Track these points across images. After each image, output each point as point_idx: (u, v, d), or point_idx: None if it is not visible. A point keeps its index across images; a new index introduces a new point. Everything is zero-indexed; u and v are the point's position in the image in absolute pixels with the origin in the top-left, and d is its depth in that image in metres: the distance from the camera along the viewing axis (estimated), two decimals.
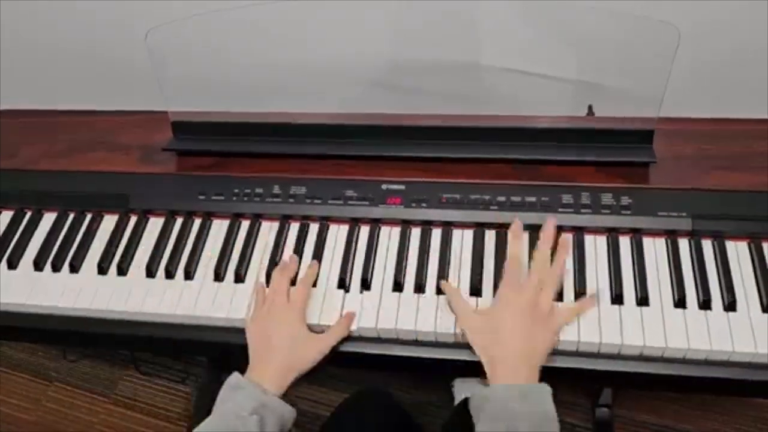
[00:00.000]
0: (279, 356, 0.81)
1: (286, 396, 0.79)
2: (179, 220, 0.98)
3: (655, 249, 0.86)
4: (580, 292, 0.83)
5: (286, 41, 1.05)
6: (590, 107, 1.03)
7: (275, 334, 0.82)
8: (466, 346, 0.82)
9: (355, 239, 0.92)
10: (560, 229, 0.88)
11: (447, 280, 0.86)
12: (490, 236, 0.90)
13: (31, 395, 1.68)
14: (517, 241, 0.84)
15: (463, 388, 1.41)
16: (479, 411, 0.73)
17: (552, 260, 0.82)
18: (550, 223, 0.85)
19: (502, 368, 0.75)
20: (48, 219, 1.02)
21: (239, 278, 0.91)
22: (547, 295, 0.79)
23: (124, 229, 0.98)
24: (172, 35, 0.96)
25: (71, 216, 1.01)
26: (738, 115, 0.99)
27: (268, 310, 0.85)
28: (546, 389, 0.73)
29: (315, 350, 0.82)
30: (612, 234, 0.88)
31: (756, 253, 0.84)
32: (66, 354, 1.71)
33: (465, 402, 1.33)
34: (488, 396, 0.73)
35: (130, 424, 1.60)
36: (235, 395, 0.76)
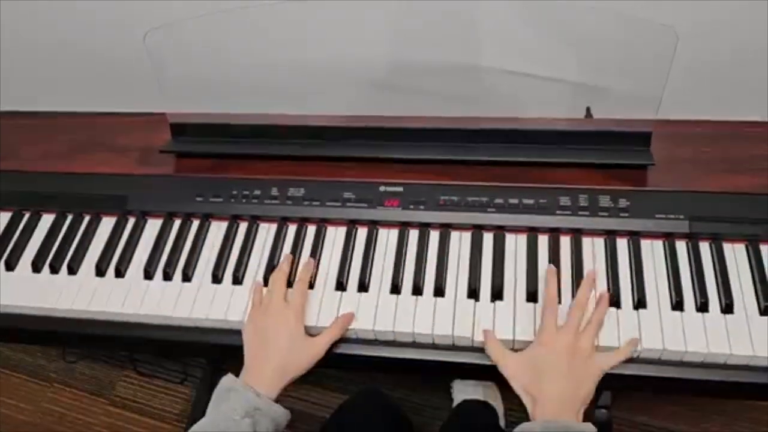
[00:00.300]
0: (275, 357, 0.80)
1: (281, 397, 0.79)
2: (177, 222, 0.98)
3: (652, 251, 0.86)
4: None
5: (285, 42, 1.05)
6: (588, 109, 1.03)
7: (272, 335, 0.82)
8: (464, 349, 0.82)
9: (352, 241, 0.92)
10: (558, 231, 0.89)
11: (444, 282, 0.85)
12: (488, 239, 0.90)
13: (30, 396, 1.68)
14: (552, 285, 0.82)
15: (461, 390, 1.41)
16: None
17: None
18: (590, 274, 0.84)
19: (546, 404, 0.74)
20: (46, 220, 1.02)
21: (237, 280, 0.91)
22: (587, 337, 0.78)
23: (122, 231, 0.98)
24: (171, 36, 0.96)
25: (69, 217, 1.01)
26: (736, 117, 0.99)
27: (265, 309, 0.85)
28: (592, 428, 0.72)
29: (311, 352, 0.82)
30: (610, 236, 0.88)
31: (753, 256, 0.84)
32: (65, 355, 1.71)
33: (463, 404, 1.34)
34: (534, 426, 0.73)
35: (128, 425, 1.59)
36: (228, 398, 0.76)
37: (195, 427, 0.75)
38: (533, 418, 0.75)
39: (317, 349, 0.82)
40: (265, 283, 0.89)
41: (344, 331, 0.84)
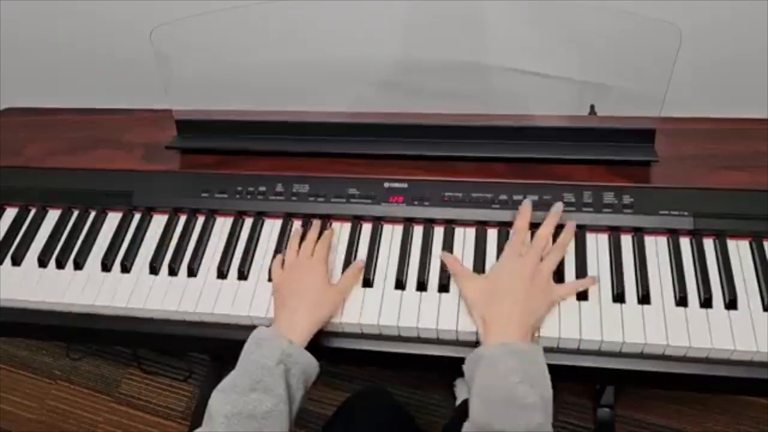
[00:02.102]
0: (306, 304, 0.82)
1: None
2: (183, 218, 0.99)
3: (656, 247, 0.86)
4: (581, 290, 0.83)
5: (290, 40, 1.05)
6: (592, 106, 1.03)
7: (303, 284, 0.84)
8: (468, 344, 0.82)
9: (357, 237, 0.93)
10: (562, 227, 0.88)
11: (449, 278, 0.86)
12: (492, 235, 0.90)
13: (35, 393, 1.68)
14: (525, 217, 0.86)
15: (464, 388, 1.41)
16: (473, 371, 0.74)
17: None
18: (557, 205, 0.87)
19: (496, 328, 0.76)
20: (52, 216, 1.02)
21: (242, 275, 0.91)
22: (547, 264, 0.81)
23: (127, 227, 0.99)
24: (177, 34, 0.97)
25: (75, 213, 1.02)
26: (739, 114, 0.99)
27: (291, 264, 0.88)
28: (538, 348, 0.74)
29: (336, 299, 0.85)
30: (614, 233, 0.88)
31: (757, 252, 0.84)
32: (69, 352, 1.71)
33: (465, 403, 1.34)
34: (482, 354, 0.73)
35: (132, 422, 1.60)
36: (260, 347, 0.77)
37: (226, 379, 0.76)
38: (483, 340, 0.77)
39: (340, 294, 0.85)
40: (270, 279, 0.90)
41: (360, 275, 0.88)
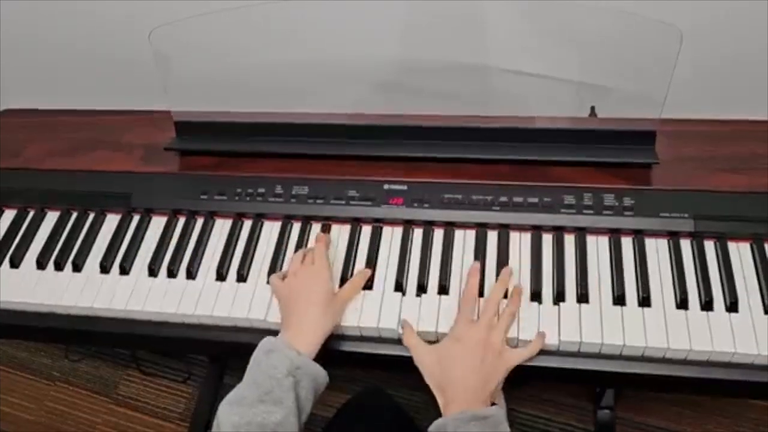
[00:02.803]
0: (313, 313, 0.81)
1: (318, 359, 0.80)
2: (182, 220, 0.98)
3: (657, 250, 0.86)
4: (582, 293, 0.83)
5: (290, 41, 1.05)
6: (593, 108, 1.03)
7: (309, 292, 0.83)
8: None
9: (356, 239, 0.92)
10: (562, 230, 0.89)
11: (449, 280, 0.86)
12: (492, 237, 0.90)
13: (33, 395, 1.68)
14: (474, 280, 0.85)
15: None
16: None
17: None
18: (505, 271, 0.85)
19: (454, 395, 0.76)
20: (51, 218, 1.02)
21: (241, 278, 0.91)
22: (498, 333, 0.79)
23: (126, 229, 0.99)
24: (177, 35, 0.96)
25: (74, 215, 1.02)
26: (740, 116, 0.99)
27: (295, 271, 0.87)
28: (498, 411, 0.74)
29: (341, 308, 0.85)
30: (614, 235, 0.88)
31: (758, 254, 0.84)
32: (68, 354, 1.71)
33: None
34: (445, 423, 0.73)
35: (131, 424, 1.59)
36: (269, 357, 0.76)
37: (236, 389, 0.75)
38: (444, 413, 0.76)
39: (344, 303, 0.85)
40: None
41: (363, 285, 0.87)
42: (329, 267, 0.87)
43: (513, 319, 0.81)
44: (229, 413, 0.72)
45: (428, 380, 0.79)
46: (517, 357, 0.79)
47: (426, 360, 0.80)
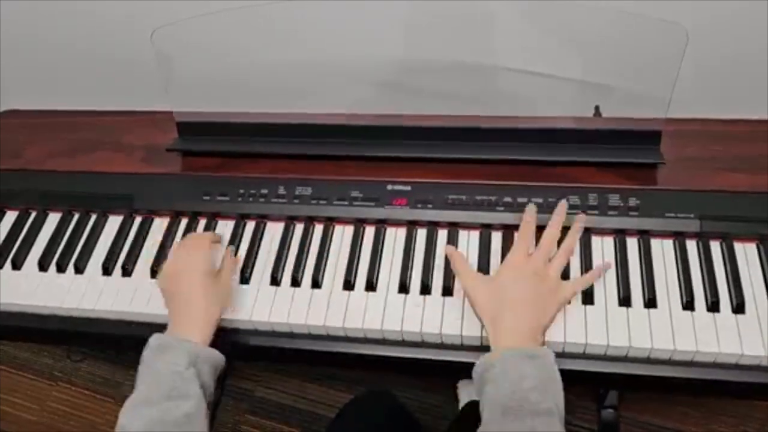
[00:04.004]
0: (198, 301, 0.81)
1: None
2: (184, 221, 0.98)
3: (662, 250, 0.86)
4: (587, 293, 0.82)
5: (292, 41, 1.04)
6: (597, 108, 1.02)
7: (186, 282, 0.82)
8: (472, 348, 0.82)
9: (360, 240, 0.92)
10: (567, 230, 0.88)
11: (453, 281, 0.85)
12: (496, 237, 0.89)
13: (35, 395, 1.68)
14: (530, 220, 0.85)
15: (467, 390, 1.40)
16: (483, 377, 0.72)
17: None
18: (562, 205, 0.86)
19: (507, 334, 0.74)
20: (53, 219, 1.01)
21: (244, 279, 0.90)
22: (555, 266, 0.80)
23: (128, 230, 0.98)
24: (179, 35, 0.96)
25: (76, 216, 1.01)
26: (747, 115, 0.98)
27: (172, 262, 0.85)
28: (550, 352, 0.73)
29: (224, 285, 0.85)
30: (619, 235, 0.87)
31: (765, 255, 0.83)
32: (70, 354, 1.71)
33: (470, 404, 1.34)
34: (493, 361, 0.72)
35: None
36: (165, 354, 0.75)
37: (136, 393, 0.73)
38: (493, 344, 0.75)
39: (226, 283, 0.86)
40: (272, 282, 0.89)
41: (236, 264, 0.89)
42: (203, 252, 0.85)
43: (570, 253, 0.82)
44: (134, 417, 0.71)
45: (478, 310, 0.78)
46: (570, 289, 0.79)
47: (477, 289, 0.79)
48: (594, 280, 0.82)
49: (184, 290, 0.82)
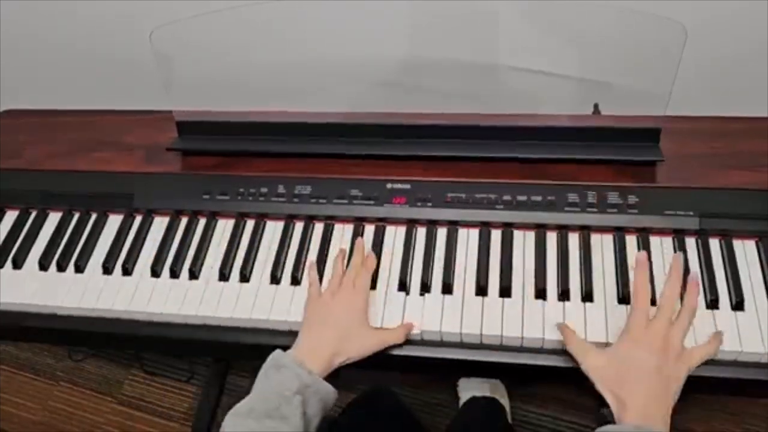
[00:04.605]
0: (334, 338, 0.80)
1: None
2: (184, 220, 0.98)
3: (662, 248, 0.86)
4: (586, 291, 0.83)
5: (291, 40, 1.05)
6: (596, 105, 1.02)
7: (338, 316, 0.82)
8: (471, 346, 0.82)
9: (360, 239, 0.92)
10: (566, 228, 0.88)
11: (452, 279, 0.85)
12: (495, 235, 0.90)
13: (37, 395, 1.68)
14: (643, 273, 0.78)
15: (467, 387, 1.40)
16: None
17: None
18: (677, 260, 0.79)
19: (633, 411, 0.70)
20: (53, 219, 1.02)
21: (244, 278, 0.90)
22: (678, 332, 0.73)
23: (128, 229, 0.98)
24: (177, 34, 0.96)
25: (76, 216, 1.01)
26: (746, 113, 0.98)
27: (334, 291, 0.84)
28: None
29: (368, 343, 0.82)
30: (619, 233, 0.87)
31: (764, 252, 0.83)
32: (71, 354, 1.71)
33: (471, 401, 1.34)
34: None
35: (135, 423, 1.60)
36: (279, 374, 0.75)
37: (242, 402, 0.74)
38: (620, 421, 0.70)
39: (374, 340, 0.82)
40: (272, 281, 0.90)
41: (405, 337, 0.83)
42: (367, 292, 0.84)
43: (693, 315, 0.75)
44: (235, 425, 0.72)
45: (599, 386, 0.73)
46: (697, 356, 0.74)
47: (597, 365, 0.74)
48: (719, 346, 0.76)
49: (325, 328, 0.81)
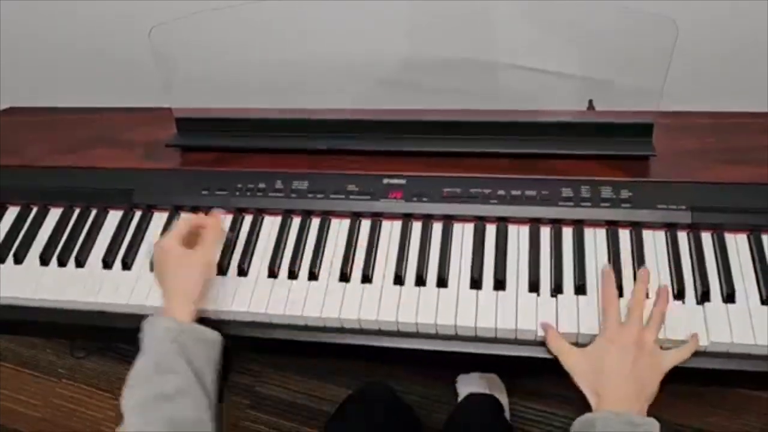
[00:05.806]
0: (170, 281, 0.83)
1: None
2: (183, 215, 0.99)
3: (654, 242, 0.87)
4: (579, 284, 0.84)
5: (288, 38, 1.06)
6: (590, 101, 1.03)
7: (162, 265, 0.84)
8: (466, 339, 0.83)
9: (356, 233, 0.93)
10: (560, 222, 0.89)
11: (447, 273, 0.86)
12: (490, 230, 0.90)
13: (39, 392, 1.69)
14: (611, 286, 0.81)
15: (466, 383, 1.41)
16: None
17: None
18: (645, 272, 0.82)
19: (610, 404, 0.72)
20: (54, 214, 1.03)
21: (242, 272, 0.91)
22: (650, 333, 0.76)
23: (128, 225, 0.99)
24: (176, 32, 0.97)
25: (76, 212, 1.02)
26: (737, 108, 0.99)
27: (173, 247, 0.85)
28: (655, 423, 0.70)
29: (198, 260, 0.84)
30: (611, 227, 0.88)
31: (755, 246, 0.84)
32: (73, 351, 1.72)
33: (469, 397, 1.35)
34: (594, 420, 0.71)
35: None
36: (152, 330, 0.77)
37: (131, 369, 0.75)
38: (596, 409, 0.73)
39: (200, 257, 0.84)
40: (270, 274, 0.90)
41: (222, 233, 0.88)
42: (174, 237, 0.85)
43: (663, 318, 0.79)
44: (128, 396, 0.73)
45: (580, 384, 0.76)
46: (671, 359, 0.76)
47: (577, 364, 0.77)
48: (693, 350, 0.77)
49: (159, 272, 0.85)
